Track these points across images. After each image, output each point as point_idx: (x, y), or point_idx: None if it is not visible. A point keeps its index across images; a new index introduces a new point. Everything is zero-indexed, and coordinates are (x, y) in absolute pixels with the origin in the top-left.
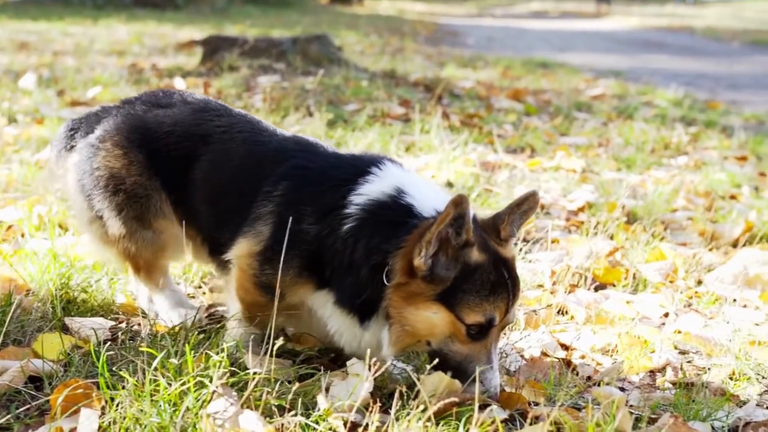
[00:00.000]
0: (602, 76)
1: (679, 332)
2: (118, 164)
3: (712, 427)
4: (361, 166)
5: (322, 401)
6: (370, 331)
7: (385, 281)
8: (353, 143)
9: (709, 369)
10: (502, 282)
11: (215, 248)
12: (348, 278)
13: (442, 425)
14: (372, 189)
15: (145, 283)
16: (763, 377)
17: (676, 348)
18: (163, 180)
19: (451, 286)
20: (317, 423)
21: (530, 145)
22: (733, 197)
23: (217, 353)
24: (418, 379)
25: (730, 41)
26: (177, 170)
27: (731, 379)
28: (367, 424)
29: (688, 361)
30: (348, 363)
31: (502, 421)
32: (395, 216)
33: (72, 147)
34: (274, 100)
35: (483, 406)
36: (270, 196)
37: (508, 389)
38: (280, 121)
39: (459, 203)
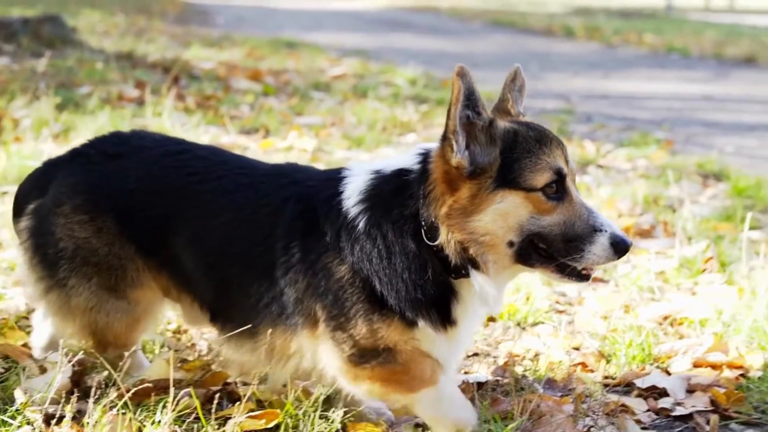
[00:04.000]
0: (347, 55)
1: None
2: (83, 233)
3: None
4: (333, 174)
5: (19, 395)
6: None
7: (430, 242)
8: (83, 127)
9: None
10: (545, 133)
11: (219, 313)
12: (396, 268)
13: (143, 410)
14: (356, 184)
15: (111, 362)
16: None
17: None
18: (139, 245)
19: (501, 164)
20: (13, 418)
21: (265, 125)
22: None
23: None
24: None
25: (471, 21)
26: (154, 232)
27: None
28: (63, 415)
29: None
30: (50, 355)
31: (203, 402)
32: (390, 183)
33: (22, 211)
34: (0, 84)
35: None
36: (291, 265)
37: (214, 368)
38: (6, 106)
39: (464, 74)
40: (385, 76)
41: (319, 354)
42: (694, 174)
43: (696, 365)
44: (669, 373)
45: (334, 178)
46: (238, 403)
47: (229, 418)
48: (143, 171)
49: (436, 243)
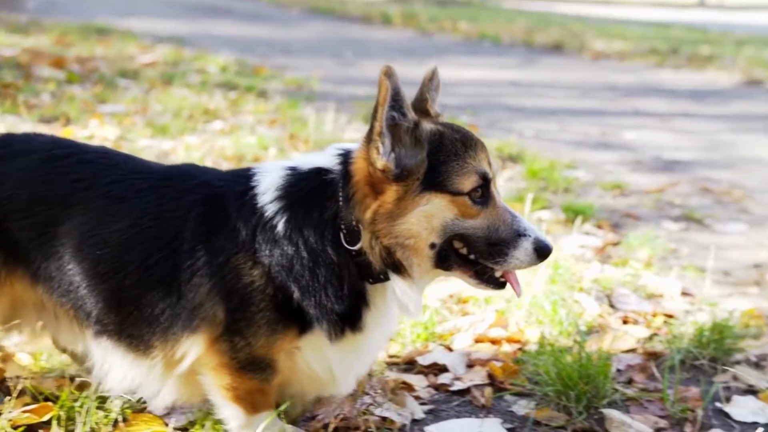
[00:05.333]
0: (162, 42)
1: None
2: None
3: None
4: (242, 172)
5: None
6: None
7: (349, 246)
8: None
9: None
10: (469, 136)
11: (110, 329)
12: (319, 280)
13: None
14: (270, 179)
15: None
16: None
17: None
18: (8, 256)
19: (428, 167)
20: None
21: (66, 114)
22: (258, 159)
23: None
24: None
25: (290, 8)
26: (32, 242)
27: None
28: None
29: None
30: None
31: None
32: (309, 181)
33: None
34: None
35: None
36: (197, 269)
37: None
38: None
39: (391, 74)
40: (198, 63)
41: (206, 356)
42: (495, 157)
43: (477, 341)
44: (451, 350)
45: (245, 175)
46: (8, 398)
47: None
48: (21, 177)
49: (355, 248)
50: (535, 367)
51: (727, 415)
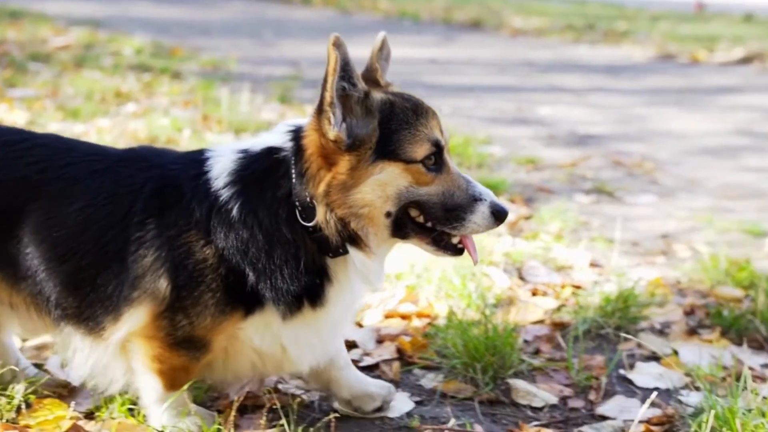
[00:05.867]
0: (76, 24)
1: None
2: None
3: None
4: (196, 155)
5: None
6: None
7: (306, 223)
8: None
9: None
10: (420, 104)
11: (69, 313)
12: (275, 261)
13: None
14: (223, 164)
15: None
16: None
17: None
18: None
19: (380, 136)
20: None
21: None
22: (171, 141)
23: None
24: None
25: None
26: None
27: None
28: None
29: None
30: None
31: None
32: (260, 162)
33: None
34: None
35: None
36: (144, 241)
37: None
38: None
39: (339, 44)
40: (113, 46)
41: (140, 330)
42: None
43: (388, 317)
44: (361, 326)
45: (198, 159)
46: None
47: None
48: None
49: (311, 224)
50: (443, 341)
51: (630, 382)
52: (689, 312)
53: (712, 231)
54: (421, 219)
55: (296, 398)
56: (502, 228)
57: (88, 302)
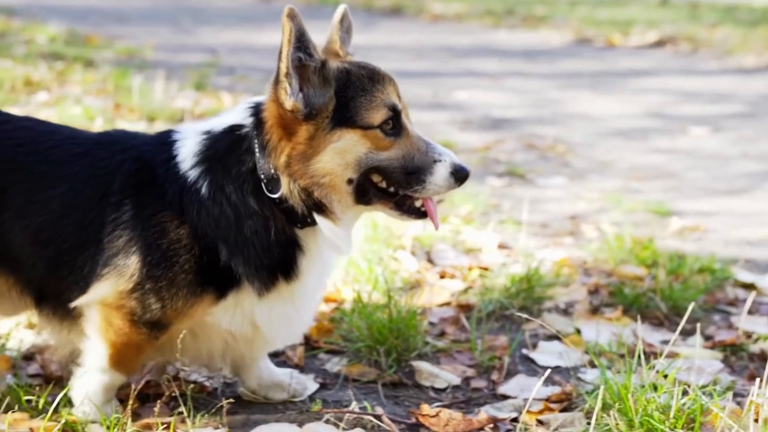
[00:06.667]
0: None
1: None
2: None
3: None
4: (164, 138)
5: None
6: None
7: (272, 195)
8: None
9: None
10: (377, 71)
11: (49, 295)
12: (245, 233)
13: None
14: (189, 147)
15: None
16: None
17: None
18: None
19: (337, 104)
20: None
21: None
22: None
23: None
24: None
25: None
26: None
27: None
28: None
29: None
30: None
31: None
32: (224, 141)
33: None
34: None
35: None
36: (120, 222)
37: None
38: None
39: (294, 15)
40: (27, 34)
41: (105, 300)
42: None
43: None
44: None
45: (166, 141)
46: None
47: None
48: None
49: (278, 195)
50: (348, 325)
51: (532, 361)
52: (593, 291)
53: (620, 211)
54: (383, 184)
55: (197, 385)
56: None
57: (66, 285)
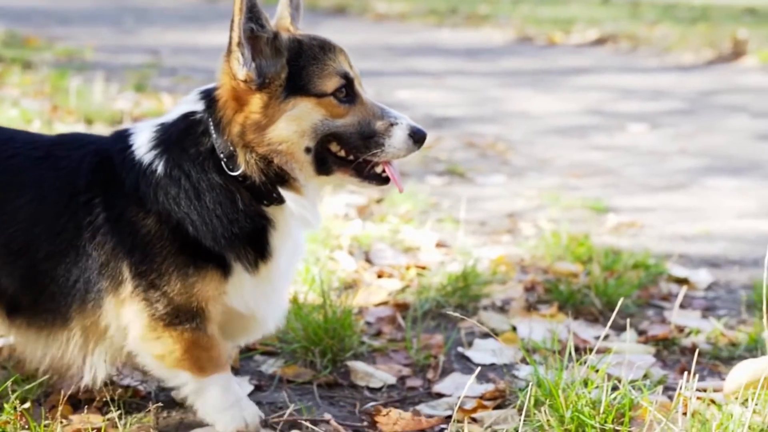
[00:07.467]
0: None
1: None
2: None
3: None
4: (121, 133)
5: None
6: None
7: (233, 173)
8: None
9: None
10: (327, 41)
11: (24, 307)
12: (206, 206)
13: None
14: (144, 136)
15: None
16: None
17: None
18: None
19: (290, 73)
20: None
21: None
22: None
23: None
24: None
25: None
26: None
27: None
28: None
29: None
30: None
31: None
32: (178, 126)
33: None
34: None
35: None
36: (98, 227)
37: None
38: None
39: None
40: None
41: (123, 319)
42: None
43: None
44: None
45: (123, 135)
46: None
47: None
48: None
49: (238, 173)
50: (284, 326)
51: (468, 359)
52: (530, 288)
53: (558, 209)
54: (342, 153)
55: (130, 389)
56: (351, 211)
57: (48, 294)
